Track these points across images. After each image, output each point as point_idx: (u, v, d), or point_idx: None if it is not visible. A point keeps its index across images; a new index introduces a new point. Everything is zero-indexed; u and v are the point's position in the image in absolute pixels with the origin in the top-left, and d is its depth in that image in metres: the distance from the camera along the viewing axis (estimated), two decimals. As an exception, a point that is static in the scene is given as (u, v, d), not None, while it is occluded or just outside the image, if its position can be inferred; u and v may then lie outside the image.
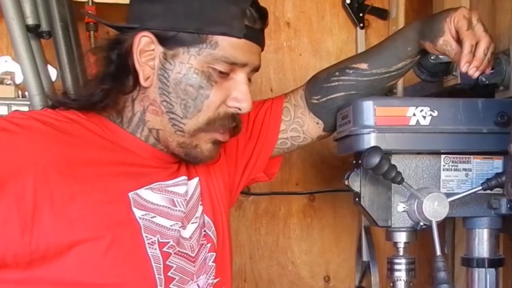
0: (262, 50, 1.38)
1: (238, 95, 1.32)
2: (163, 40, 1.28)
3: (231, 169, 1.58)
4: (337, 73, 1.56)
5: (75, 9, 1.93)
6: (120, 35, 1.33)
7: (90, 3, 1.91)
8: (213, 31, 1.27)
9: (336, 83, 1.56)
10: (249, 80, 1.37)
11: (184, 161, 1.40)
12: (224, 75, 1.29)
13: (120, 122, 1.34)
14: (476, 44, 1.34)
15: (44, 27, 1.82)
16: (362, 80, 1.53)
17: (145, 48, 1.29)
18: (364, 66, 1.53)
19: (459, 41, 1.37)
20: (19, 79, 1.97)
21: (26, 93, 1.88)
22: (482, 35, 1.35)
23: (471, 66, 1.34)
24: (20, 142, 1.18)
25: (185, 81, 1.28)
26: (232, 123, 1.34)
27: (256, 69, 1.36)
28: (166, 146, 1.35)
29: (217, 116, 1.31)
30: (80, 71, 1.80)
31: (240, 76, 1.32)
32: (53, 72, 1.91)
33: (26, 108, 1.81)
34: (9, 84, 1.98)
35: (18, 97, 1.96)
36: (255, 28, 1.31)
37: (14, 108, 1.84)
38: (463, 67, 1.33)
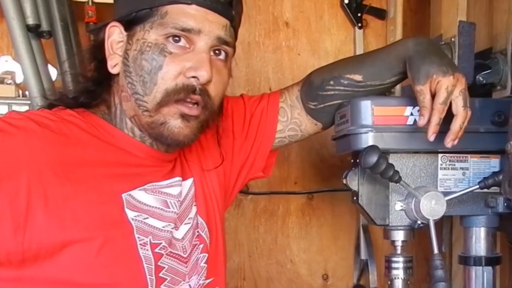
0: (234, 25, 1.36)
1: (195, 64, 1.27)
2: (127, 25, 1.31)
3: (226, 170, 1.57)
4: (331, 82, 1.55)
5: (75, 9, 1.94)
6: (98, 32, 1.37)
7: (90, 3, 1.92)
8: (162, 2, 1.27)
9: (332, 92, 1.55)
10: (226, 57, 1.35)
11: (164, 145, 1.36)
12: (182, 44, 1.27)
13: (110, 119, 1.35)
14: (453, 116, 1.35)
15: (45, 27, 1.83)
16: (358, 90, 1.53)
17: (117, 39, 1.32)
18: (358, 77, 1.52)
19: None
20: (19, 79, 1.97)
21: (27, 93, 1.89)
22: (460, 111, 1.34)
23: (448, 140, 1.35)
24: (15, 142, 1.18)
25: (140, 56, 1.27)
26: (194, 96, 1.28)
27: (224, 41, 1.32)
28: (146, 133, 1.33)
29: (174, 88, 1.26)
30: (80, 70, 1.81)
31: (198, 45, 1.28)
32: (53, 72, 1.92)
33: (26, 108, 1.82)
34: (9, 84, 1.98)
35: (19, 96, 1.96)
36: None
37: (14, 107, 1.85)
38: (430, 138, 1.35)
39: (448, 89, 1.33)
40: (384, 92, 1.57)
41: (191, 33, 1.27)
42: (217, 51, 1.32)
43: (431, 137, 1.34)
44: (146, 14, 1.28)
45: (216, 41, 1.30)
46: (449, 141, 1.35)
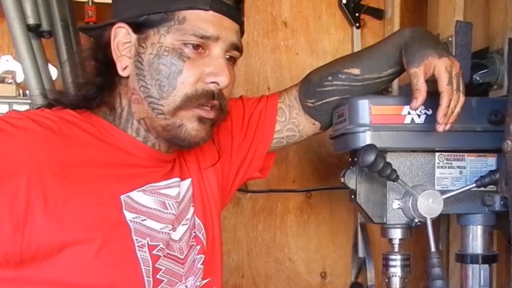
0: (242, 29, 1.38)
1: (214, 69, 1.28)
2: (136, 28, 1.30)
3: (225, 168, 1.58)
4: (329, 78, 1.56)
5: (75, 9, 1.95)
6: (101, 32, 1.36)
7: (90, 3, 1.92)
8: (179, 7, 1.27)
9: (330, 88, 1.56)
10: (234, 60, 1.36)
11: (174, 147, 1.37)
12: (199, 50, 1.28)
13: (113, 120, 1.34)
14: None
15: (45, 26, 1.84)
16: (355, 85, 1.53)
17: (123, 40, 1.31)
18: (356, 71, 1.53)
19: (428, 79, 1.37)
20: (20, 78, 1.97)
21: (27, 92, 1.90)
22: (455, 94, 1.36)
23: (447, 124, 1.37)
24: (15, 143, 1.18)
25: (157, 60, 1.27)
26: (213, 101, 1.30)
27: (235, 47, 1.33)
28: (156, 134, 1.33)
29: (195, 93, 1.27)
30: (80, 70, 1.81)
31: (215, 51, 1.29)
32: (53, 71, 1.93)
33: (27, 107, 1.83)
34: (10, 83, 1.98)
35: (19, 95, 1.97)
36: (223, 1, 1.30)
37: (15, 106, 1.86)
38: (440, 120, 1.35)
39: (447, 69, 1.34)
40: (381, 86, 1.57)
41: (209, 40, 1.27)
42: (228, 56, 1.33)
43: (442, 119, 1.35)
44: (161, 18, 1.27)
45: (229, 46, 1.31)
46: (448, 124, 1.36)
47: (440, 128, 1.36)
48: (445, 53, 1.37)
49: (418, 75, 1.36)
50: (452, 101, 1.35)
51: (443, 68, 1.34)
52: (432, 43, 1.41)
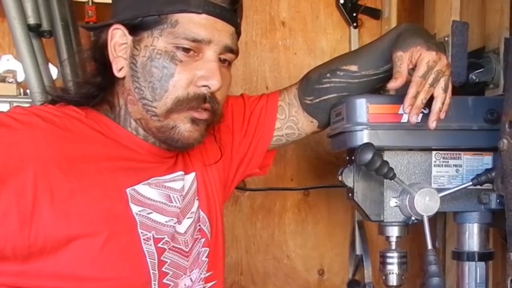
0: (238, 32, 1.38)
1: (205, 73, 1.29)
2: (132, 29, 1.31)
3: (226, 165, 1.59)
4: (328, 75, 1.57)
5: (75, 9, 1.96)
6: (99, 33, 1.37)
7: (90, 3, 1.93)
8: (172, 10, 1.27)
9: (328, 85, 1.57)
10: (229, 63, 1.37)
11: (172, 148, 1.38)
12: (191, 54, 1.29)
13: (114, 117, 1.36)
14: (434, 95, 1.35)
15: (45, 26, 1.86)
16: (352, 82, 1.54)
17: (119, 41, 1.32)
18: (354, 68, 1.54)
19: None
20: (20, 77, 1.98)
21: (28, 91, 1.91)
22: (440, 92, 1.35)
23: (432, 120, 1.36)
24: (21, 138, 1.19)
25: (149, 63, 1.28)
26: (204, 104, 1.31)
27: (229, 50, 1.34)
28: (153, 135, 1.35)
29: (186, 97, 1.29)
30: (80, 69, 1.82)
31: (207, 54, 1.30)
32: (54, 71, 1.93)
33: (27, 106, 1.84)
34: (11, 82, 2.00)
35: (20, 95, 1.98)
36: (217, 4, 1.30)
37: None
38: (406, 109, 1.34)
39: (429, 63, 1.34)
40: (378, 84, 1.57)
41: (201, 43, 1.28)
42: (222, 59, 1.34)
43: (407, 109, 1.34)
44: (154, 21, 1.28)
45: (223, 49, 1.32)
46: (433, 121, 1.35)
47: (411, 119, 1.35)
48: (434, 48, 1.36)
49: (403, 59, 1.36)
50: (421, 94, 1.34)
51: (425, 61, 1.34)
52: (425, 36, 1.41)
